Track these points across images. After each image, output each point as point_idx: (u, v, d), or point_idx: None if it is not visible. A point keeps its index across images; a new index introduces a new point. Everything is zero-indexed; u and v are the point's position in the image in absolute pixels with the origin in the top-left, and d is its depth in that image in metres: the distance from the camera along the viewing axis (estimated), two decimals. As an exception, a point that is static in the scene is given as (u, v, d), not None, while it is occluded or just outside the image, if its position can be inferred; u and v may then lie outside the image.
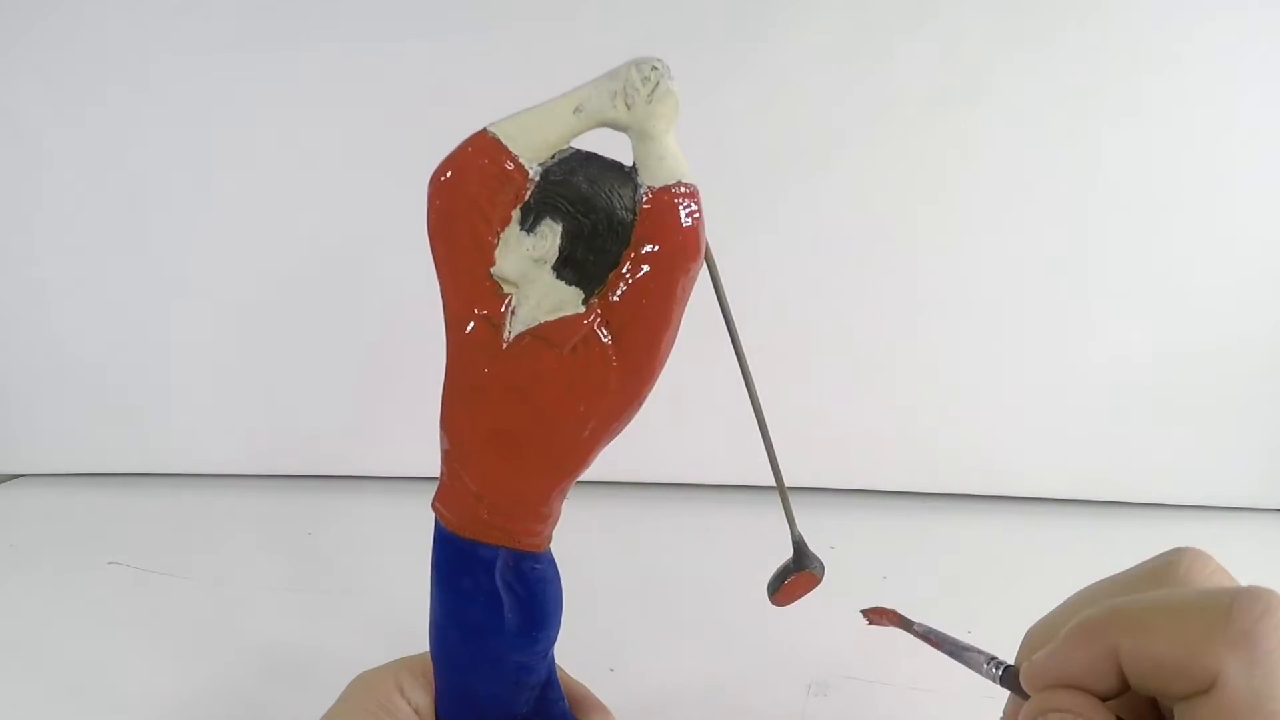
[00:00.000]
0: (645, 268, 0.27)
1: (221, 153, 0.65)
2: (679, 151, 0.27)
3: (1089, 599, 0.27)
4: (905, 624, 0.31)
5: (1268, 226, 0.61)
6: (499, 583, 0.30)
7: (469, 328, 0.28)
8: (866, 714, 0.44)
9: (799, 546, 0.34)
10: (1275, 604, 0.21)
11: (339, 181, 0.64)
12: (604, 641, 0.48)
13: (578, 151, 0.28)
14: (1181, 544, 0.26)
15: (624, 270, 0.27)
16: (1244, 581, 0.23)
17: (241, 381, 0.71)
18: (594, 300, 0.27)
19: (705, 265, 0.28)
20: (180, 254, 0.68)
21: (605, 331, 0.27)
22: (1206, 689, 0.21)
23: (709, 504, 0.68)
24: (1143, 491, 0.67)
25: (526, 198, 0.27)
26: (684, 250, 0.27)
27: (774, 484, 0.32)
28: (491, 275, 0.28)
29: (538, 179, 0.27)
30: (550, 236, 0.27)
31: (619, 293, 0.27)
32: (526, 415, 0.28)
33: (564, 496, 0.30)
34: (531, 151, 0.27)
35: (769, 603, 0.34)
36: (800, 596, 0.34)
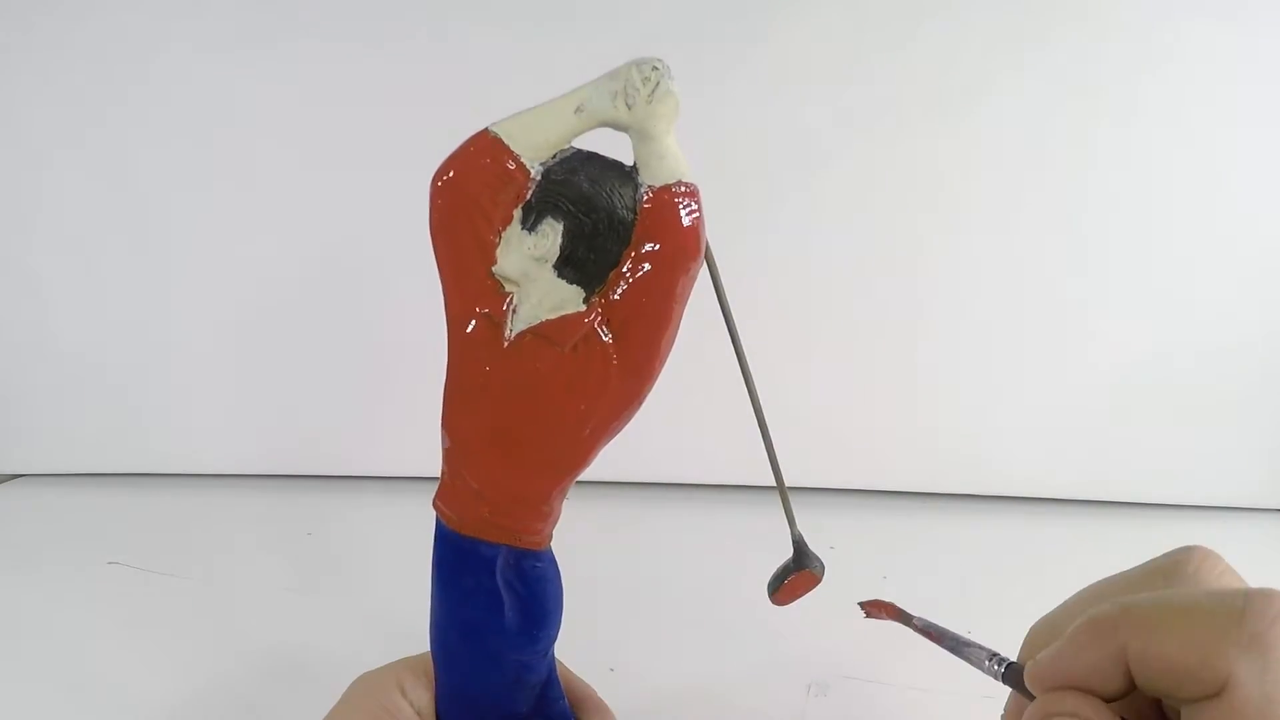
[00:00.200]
0: (646, 266, 0.27)
1: (222, 152, 0.65)
2: (679, 151, 0.27)
3: (1095, 597, 0.27)
4: (904, 618, 0.31)
5: (1268, 227, 0.61)
6: (500, 581, 0.30)
7: (470, 326, 0.28)
8: (866, 714, 0.44)
9: (799, 546, 0.34)
10: None
11: (339, 181, 0.64)
12: (604, 641, 0.47)
13: (579, 151, 0.28)
14: (1181, 544, 0.26)
15: (624, 269, 0.27)
16: (1249, 582, 0.23)
17: (241, 381, 0.70)
18: (595, 299, 0.28)
19: (705, 265, 0.28)
20: (180, 253, 0.67)
21: (606, 330, 0.28)
22: (1217, 692, 0.20)
23: (709, 504, 0.68)
24: (1143, 491, 0.67)
25: (528, 197, 0.28)
26: (684, 249, 0.27)
27: (774, 484, 0.32)
28: (493, 274, 0.28)
29: (539, 178, 0.28)
30: (551, 235, 0.27)
31: (619, 291, 0.27)
32: (527, 413, 0.28)
33: (565, 495, 0.30)
34: (533, 151, 0.27)
35: (769, 602, 0.34)
36: (800, 596, 0.34)
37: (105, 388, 0.71)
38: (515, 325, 0.28)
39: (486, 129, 0.28)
